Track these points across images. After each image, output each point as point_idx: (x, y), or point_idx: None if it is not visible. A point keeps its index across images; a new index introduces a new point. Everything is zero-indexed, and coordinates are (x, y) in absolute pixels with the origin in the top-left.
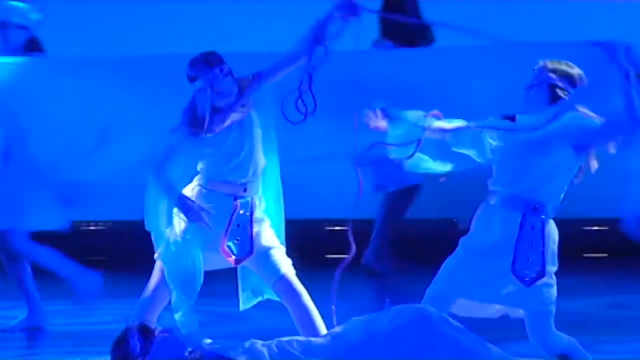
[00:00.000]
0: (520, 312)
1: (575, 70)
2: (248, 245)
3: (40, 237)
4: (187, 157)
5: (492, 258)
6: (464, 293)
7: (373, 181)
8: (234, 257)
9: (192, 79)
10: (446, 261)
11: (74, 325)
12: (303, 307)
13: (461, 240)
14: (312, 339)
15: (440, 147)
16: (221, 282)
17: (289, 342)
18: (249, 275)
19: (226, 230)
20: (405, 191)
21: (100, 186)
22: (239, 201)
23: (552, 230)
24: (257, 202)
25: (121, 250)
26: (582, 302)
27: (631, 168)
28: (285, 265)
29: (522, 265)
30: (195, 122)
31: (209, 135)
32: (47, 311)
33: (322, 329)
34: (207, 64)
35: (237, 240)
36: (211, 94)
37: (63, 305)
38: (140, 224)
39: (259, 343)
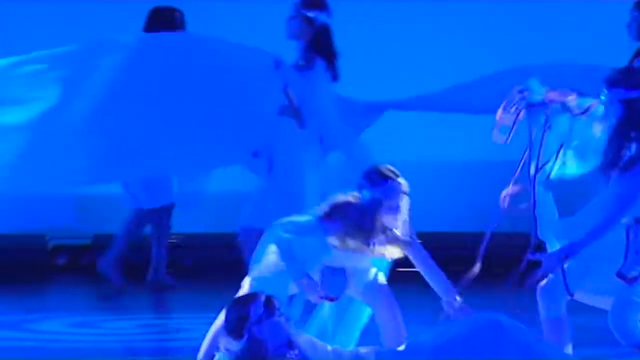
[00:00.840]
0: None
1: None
2: (342, 283)
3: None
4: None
5: (603, 263)
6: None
7: (136, 195)
8: (334, 299)
9: (362, 187)
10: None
11: (147, 335)
12: (391, 313)
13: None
14: (386, 349)
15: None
16: None
17: (367, 352)
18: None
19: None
20: (163, 210)
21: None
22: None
23: None
24: None
25: (193, 263)
26: None
27: None
28: (374, 273)
29: (627, 270)
30: (353, 228)
31: (348, 250)
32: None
33: (404, 338)
34: (383, 176)
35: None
36: (382, 208)
37: (130, 321)
38: (213, 236)
39: (344, 351)
